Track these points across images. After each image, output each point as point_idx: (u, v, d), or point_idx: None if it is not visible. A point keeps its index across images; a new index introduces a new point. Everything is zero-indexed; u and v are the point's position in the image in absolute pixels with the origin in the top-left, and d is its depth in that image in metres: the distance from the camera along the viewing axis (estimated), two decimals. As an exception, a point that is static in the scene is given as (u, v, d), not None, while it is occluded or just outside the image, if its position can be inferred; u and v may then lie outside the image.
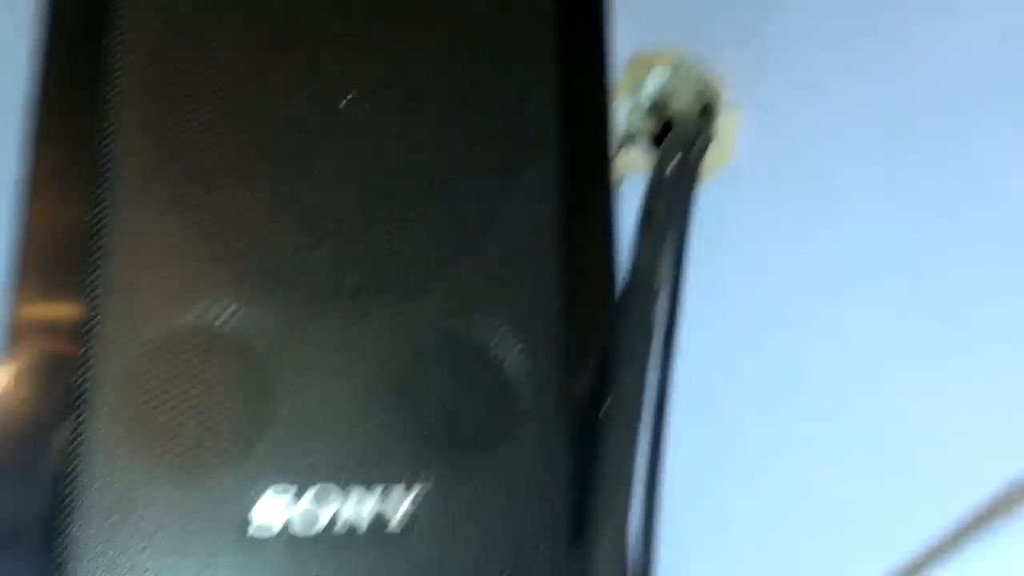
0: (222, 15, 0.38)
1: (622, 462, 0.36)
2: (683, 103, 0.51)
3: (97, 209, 0.36)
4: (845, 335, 0.41)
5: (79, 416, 0.34)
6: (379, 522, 0.36)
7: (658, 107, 0.52)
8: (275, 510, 0.35)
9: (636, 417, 0.37)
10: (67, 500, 0.33)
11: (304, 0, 0.39)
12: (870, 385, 0.39)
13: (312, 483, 0.36)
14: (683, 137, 0.45)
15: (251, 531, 0.34)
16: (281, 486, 0.35)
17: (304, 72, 0.38)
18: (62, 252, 0.36)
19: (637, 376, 0.37)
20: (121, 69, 0.37)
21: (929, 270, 0.39)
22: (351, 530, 0.35)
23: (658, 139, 0.53)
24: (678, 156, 0.44)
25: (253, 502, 0.35)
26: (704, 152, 0.45)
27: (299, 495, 0.35)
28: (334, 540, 0.35)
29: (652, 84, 0.52)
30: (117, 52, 0.37)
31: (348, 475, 0.36)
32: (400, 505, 0.36)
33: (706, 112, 0.49)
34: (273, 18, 0.39)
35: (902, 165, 0.40)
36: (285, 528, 0.35)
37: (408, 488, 0.36)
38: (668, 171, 0.43)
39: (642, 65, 0.51)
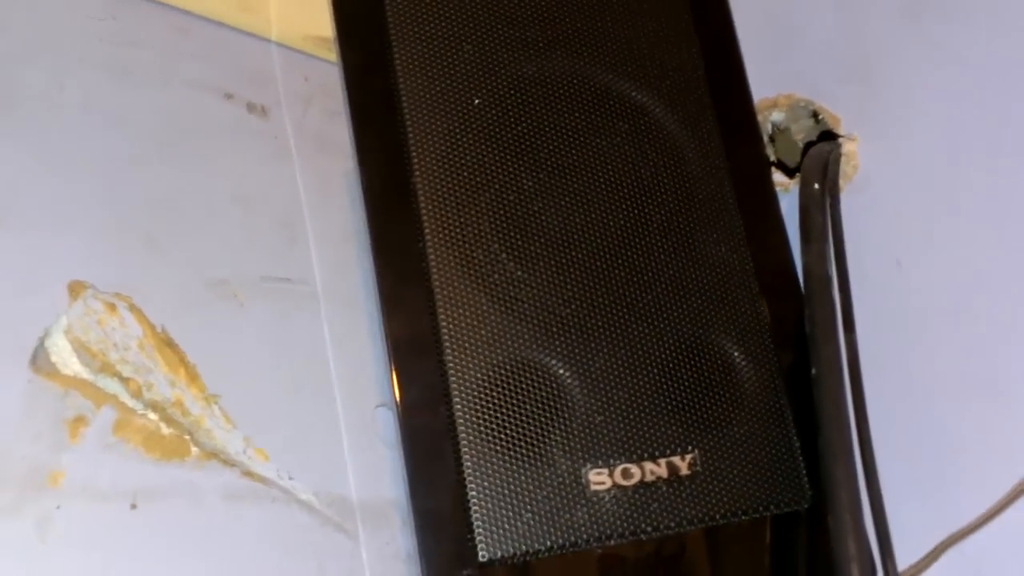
0: (488, 137, 0.53)
1: (839, 412, 0.49)
2: (801, 133, 0.64)
3: (431, 307, 0.50)
4: (966, 301, 0.54)
5: (456, 434, 0.48)
6: (666, 480, 0.49)
7: (775, 138, 0.66)
8: (597, 479, 0.49)
9: (841, 380, 0.50)
10: (467, 492, 0.47)
11: (544, 121, 0.53)
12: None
13: (612, 460, 0.49)
14: (817, 159, 0.59)
15: (588, 495, 0.48)
16: (597, 466, 0.49)
17: (558, 183, 0.52)
18: (416, 336, 0.50)
19: (834, 349, 0.51)
20: (422, 191, 0.51)
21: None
22: (651, 486, 0.49)
23: (780, 163, 0.67)
24: (815, 175, 0.58)
25: (584, 474, 0.48)
26: (838, 168, 0.58)
27: (608, 467, 0.49)
28: (641, 493, 0.49)
29: (769, 122, 0.66)
30: (416, 179, 0.52)
31: (636, 450, 0.50)
32: (682, 464, 0.50)
33: (824, 138, 0.62)
34: (526, 135, 0.53)
35: (1001, 163, 0.52)
36: (605, 488, 0.49)
37: (680, 454, 0.50)
38: (816, 186, 0.57)
39: (764, 107, 0.65)
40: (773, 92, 0.64)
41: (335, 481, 0.59)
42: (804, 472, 0.51)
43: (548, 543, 0.48)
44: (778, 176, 0.64)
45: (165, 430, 0.54)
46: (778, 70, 0.64)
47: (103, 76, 0.61)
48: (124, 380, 0.53)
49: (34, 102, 0.57)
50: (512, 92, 0.53)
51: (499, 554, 0.47)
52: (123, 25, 0.64)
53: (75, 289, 0.54)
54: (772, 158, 0.66)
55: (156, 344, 0.55)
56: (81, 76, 0.60)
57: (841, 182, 0.59)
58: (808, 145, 0.62)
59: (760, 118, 0.65)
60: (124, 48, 0.63)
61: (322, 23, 0.71)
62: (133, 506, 0.51)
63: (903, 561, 0.51)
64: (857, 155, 0.60)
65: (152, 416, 0.54)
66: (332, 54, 0.74)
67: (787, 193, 0.62)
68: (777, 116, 0.65)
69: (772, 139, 0.66)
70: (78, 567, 0.48)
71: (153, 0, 0.66)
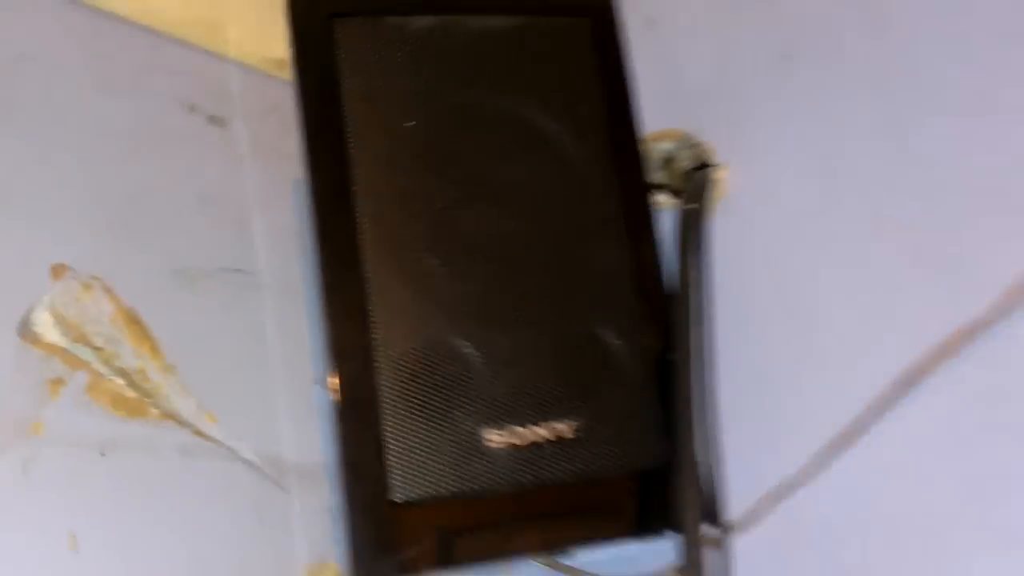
0: (417, 154, 0.63)
1: (691, 390, 0.60)
2: (685, 161, 0.75)
3: (363, 295, 0.60)
4: (800, 303, 0.65)
5: (379, 400, 0.58)
6: (552, 442, 0.60)
7: (665, 165, 0.77)
8: (494, 438, 0.59)
9: (695, 363, 0.61)
10: (385, 447, 0.57)
11: (466, 143, 0.64)
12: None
13: (507, 422, 0.60)
14: (695, 184, 0.70)
15: (485, 452, 0.59)
16: (494, 427, 0.59)
17: (472, 194, 0.63)
18: (350, 318, 0.60)
19: (692, 339, 0.62)
20: (360, 197, 0.62)
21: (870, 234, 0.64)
22: (537, 446, 0.60)
23: (667, 186, 0.78)
24: (695, 197, 0.70)
25: (483, 434, 0.59)
26: (711, 191, 0.70)
27: (503, 428, 0.59)
28: (529, 452, 0.59)
29: (659, 151, 0.77)
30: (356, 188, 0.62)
31: (526, 416, 0.60)
32: (564, 428, 0.60)
33: (702, 167, 0.74)
34: (448, 161, 0.63)
35: (838, 183, 0.64)
36: (500, 446, 0.59)
37: (562, 420, 0.61)
38: (691, 207, 0.68)
39: (652, 139, 0.76)
40: (664, 126, 0.76)
41: (273, 444, 0.68)
42: (664, 436, 0.62)
43: (451, 489, 0.58)
44: (665, 196, 0.75)
45: (130, 393, 0.63)
46: (668, 107, 0.75)
47: (84, 86, 0.70)
48: (96, 349, 0.62)
49: (25, 107, 0.66)
50: (439, 117, 0.64)
51: (410, 496, 0.57)
52: (102, 42, 0.73)
53: (57, 271, 0.63)
54: (664, 181, 0.77)
55: (124, 320, 0.64)
56: (65, 86, 0.69)
57: (713, 203, 0.70)
58: (690, 171, 0.74)
59: (653, 147, 0.76)
60: (102, 62, 0.72)
61: (276, 46, 0.81)
62: (102, 454, 0.60)
63: (739, 510, 0.63)
64: (727, 181, 0.71)
65: (119, 381, 0.63)
66: (285, 74, 0.84)
67: (671, 210, 0.73)
68: (667, 146, 0.76)
69: (664, 165, 0.77)
70: (55, 501, 0.57)
71: (128, 22, 0.75)
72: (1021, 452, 0.55)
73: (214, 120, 0.77)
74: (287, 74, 0.71)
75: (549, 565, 0.76)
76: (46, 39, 0.70)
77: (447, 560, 0.59)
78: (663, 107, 0.75)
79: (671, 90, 0.76)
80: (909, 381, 0.59)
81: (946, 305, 0.58)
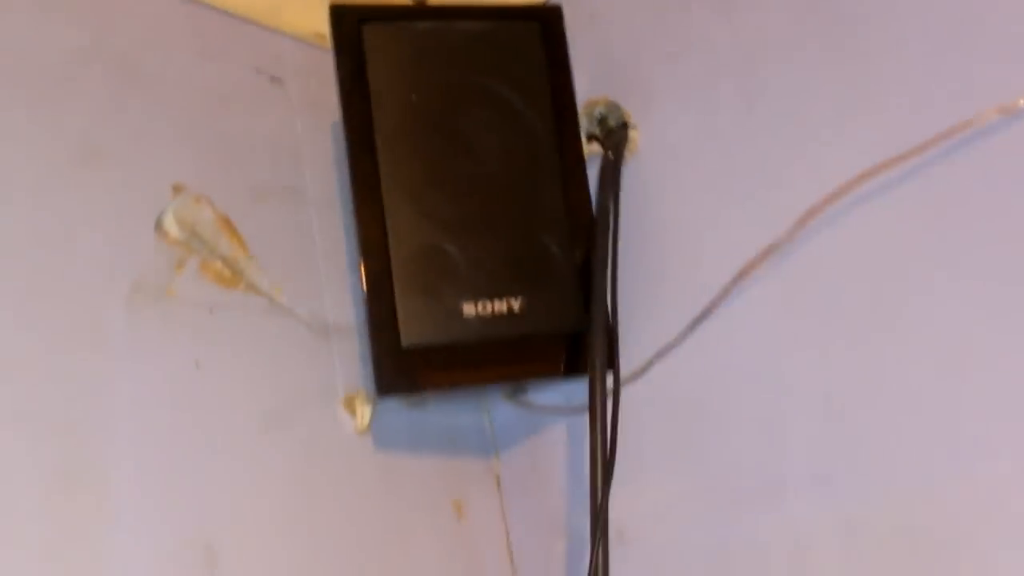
0: (418, 117, 0.93)
1: (603, 280, 0.91)
2: (613, 121, 1.05)
3: (381, 211, 0.91)
4: (684, 224, 0.96)
5: (392, 282, 0.89)
6: (506, 312, 0.91)
7: (600, 123, 1.07)
8: (468, 308, 0.90)
9: (606, 264, 0.92)
10: (397, 311, 0.89)
11: (455, 117, 0.94)
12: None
13: (478, 298, 0.91)
14: (614, 139, 1.00)
15: (462, 317, 0.90)
16: (469, 301, 0.90)
17: (455, 144, 0.93)
18: (373, 226, 0.91)
19: (605, 248, 0.93)
20: (379, 145, 0.92)
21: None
22: (497, 314, 0.91)
23: (598, 138, 1.08)
24: (612, 149, 1.00)
25: (461, 306, 0.90)
26: (624, 147, 1.00)
27: (475, 302, 0.91)
28: (491, 318, 0.91)
29: (596, 112, 1.06)
30: (377, 141, 0.92)
31: (490, 294, 0.91)
32: (516, 304, 0.91)
33: (624, 126, 1.03)
34: (440, 121, 0.93)
35: (704, 145, 0.95)
36: (472, 314, 0.90)
37: (515, 298, 0.92)
38: (609, 156, 0.99)
39: (591, 103, 1.06)
40: (599, 93, 1.05)
41: (320, 309, 1.00)
42: (583, 312, 0.93)
43: (440, 339, 0.90)
44: (597, 147, 1.05)
45: (227, 272, 0.94)
46: (602, 79, 1.05)
47: (185, 58, 0.99)
48: (204, 242, 0.93)
49: (146, 77, 0.96)
50: (434, 92, 0.94)
51: (413, 343, 0.89)
52: (195, 24, 1.02)
53: (178, 188, 0.93)
54: (598, 134, 1.07)
55: (222, 224, 0.95)
56: (172, 59, 0.99)
57: (627, 154, 1.00)
58: (611, 130, 1.03)
59: (591, 109, 1.06)
60: (197, 39, 1.01)
61: (319, 23, 1.09)
62: (210, 311, 0.91)
63: (630, 366, 0.95)
64: (638, 138, 1.01)
65: (219, 264, 0.94)
66: (326, 44, 1.13)
67: (600, 158, 1.04)
68: (601, 109, 1.06)
69: (599, 123, 1.07)
70: (185, 340, 0.89)
71: (212, 7, 1.03)
72: (813, 322, 0.87)
73: (274, 80, 1.07)
74: (327, 44, 1.00)
75: (511, 399, 1.09)
76: (157, 26, 0.99)
77: (438, 384, 0.91)
78: (600, 79, 1.05)
79: (606, 66, 1.06)
80: (742, 275, 0.90)
81: (762, 227, 0.89)
